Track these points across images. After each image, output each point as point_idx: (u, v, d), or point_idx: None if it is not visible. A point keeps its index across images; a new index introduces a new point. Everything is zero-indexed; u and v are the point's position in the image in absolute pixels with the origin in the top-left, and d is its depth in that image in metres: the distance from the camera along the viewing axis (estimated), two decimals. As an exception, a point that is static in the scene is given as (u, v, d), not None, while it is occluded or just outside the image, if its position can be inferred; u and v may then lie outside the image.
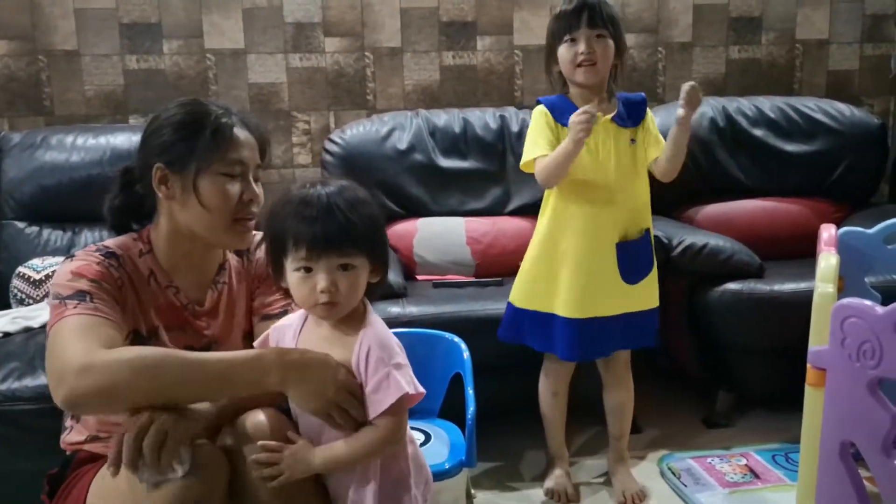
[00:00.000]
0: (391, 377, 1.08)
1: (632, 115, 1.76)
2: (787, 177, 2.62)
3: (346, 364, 1.11)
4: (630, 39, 2.80)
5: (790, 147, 2.63)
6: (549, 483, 1.88)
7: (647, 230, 1.81)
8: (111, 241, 1.25)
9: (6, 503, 1.57)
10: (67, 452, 1.26)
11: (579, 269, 1.73)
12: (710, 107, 2.65)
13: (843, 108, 2.68)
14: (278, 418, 1.15)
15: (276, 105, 2.68)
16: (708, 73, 2.88)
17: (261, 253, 1.33)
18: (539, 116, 1.76)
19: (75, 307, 1.11)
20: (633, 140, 1.75)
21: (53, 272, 2.01)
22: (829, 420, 1.30)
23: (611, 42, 1.68)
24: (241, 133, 1.24)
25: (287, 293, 1.16)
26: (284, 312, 1.29)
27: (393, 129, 2.49)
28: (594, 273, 1.73)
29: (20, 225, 2.21)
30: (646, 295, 1.81)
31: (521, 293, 1.82)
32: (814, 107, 2.68)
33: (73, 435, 1.26)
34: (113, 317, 1.14)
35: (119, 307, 1.17)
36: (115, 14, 2.54)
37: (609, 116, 1.71)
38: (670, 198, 2.54)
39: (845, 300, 1.25)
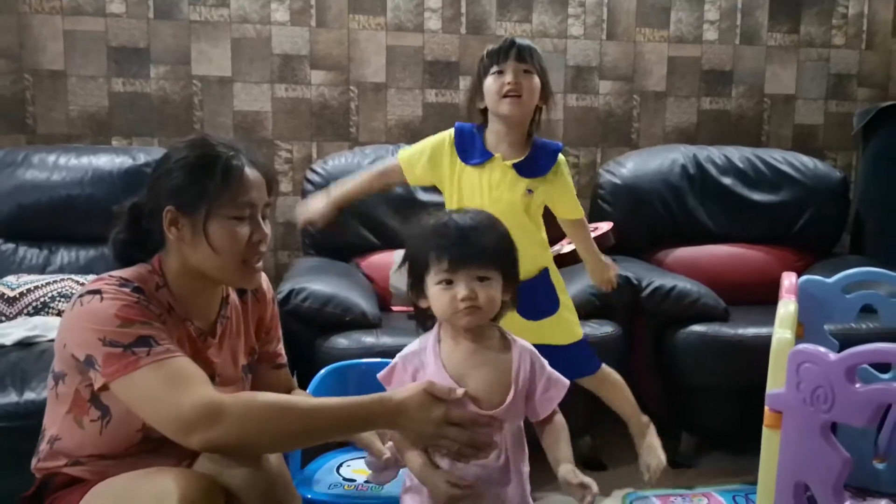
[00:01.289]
0: (552, 377, 1.24)
1: (538, 164, 1.73)
2: (753, 225, 2.72)
3: (507, 378, 1.21)
4: (606, 86, 2.91)
5: (757, 196, 2.74)
6: None
7: (546, 269, 1.79)
8: (128, 274, 1.23)
9: None
10: (38, 475, 1.24)
11: None
12: (681, 154, 2.75)
13: (808, 161, 2.80)
14: None
15: (259, 133, 2.72)
16: (680, 122, 2.99)
17: (267, 297, 1.42)
18: (442, 139, 1.75)
19: (148, 354, 1.11)
20: (529, 190, 1.72)
21: (28, 290, 2.00)
22: (784, 462, 1.35)
23: (537, 80, 1.69)
24: (249, 173, 1.25)
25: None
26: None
27: (374, 161, 2.53)
28: None
29: (-5, 241, 2.21)
30: (558, 331, 1.78)
31: None
32: (780, 158, 2.80)
33: (48, 460, 1.24)
34: (181, 352, 1.16)
35: (172, 340, 1.18)
36: (105, 37, 2.58)
37: (511, 162, 1.70)
38: (640, 240, 2.63)
39: (801, 346, 1.31)
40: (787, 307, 1.57)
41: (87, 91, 2.60)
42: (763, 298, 2.38)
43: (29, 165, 2.25)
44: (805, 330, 1.91)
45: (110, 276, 1.22)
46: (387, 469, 1.31)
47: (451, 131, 1.77)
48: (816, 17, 3.03)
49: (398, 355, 1.27)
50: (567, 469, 1.18)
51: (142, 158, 2.31)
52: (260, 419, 1.11)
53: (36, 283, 2.01)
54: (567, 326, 1.82)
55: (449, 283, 1.18)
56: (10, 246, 2.21)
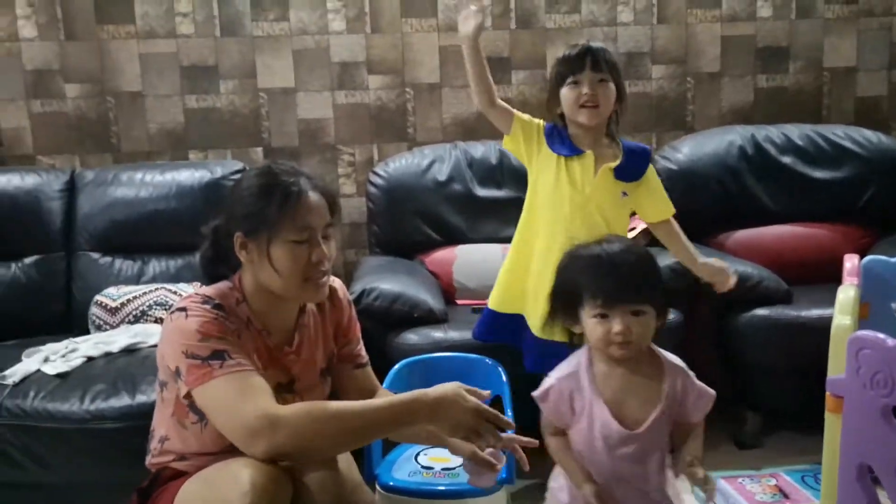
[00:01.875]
0: (701, 389, 1.33)
1: (632, 168, 1.81)
2: (815, 203, 2.69)
3: (660, 397, 1.28)
4: (659, 70, 2.92)
5: (818, 173, 2.71)
6: None
7: None
8: (211, 291, 1.37)
9: None
10: (153, 470, 1.40)
11: (539, 277, 1.80)
12: (738, 135, 2.74)
13: (870, 135, 2.75)
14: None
15: (322, 139, 2.85)
16: (736, 102, 2.97)
17: (343, 303, 1.51)
18: (532, 122, 1.85)
19: (221, 367, 1.24)
20: (625, 193, 1.80)
21: (128, 300, 2.19)
22: (847, 444, 1.39)
23: (612, 86, 1.76)
24: (309, 197, 1.33)
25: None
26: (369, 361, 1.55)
27: (433, 161, 2.64)
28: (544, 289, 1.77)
29: (94, 255, 2.41)
30: None
31: (495, 297, 1.93)
32: (841, 134, 2.75)
33: (159, 456, 1.40)
34: (252, 366, 1.28)
35: (246, 355, 1.30)
36: (177, 57, 2.75)
37: (612, 165, 1.77)
38: (700, 224, 2.64)
39: (860, 333, 1.34)
40: (846, 293, 1.59)
41: (164, 109, 2.78)
42: (829, 276, 2.36)
43: (119, 184, 2.44)
44: (871, 310, 1.92)
45: (196, 293, 1.36)
46: (483, 473, 1.33)
47: (541, 122, 1.86)
48: (876, -15, 2.95)
49: (552, 375, 1.32)
50: (691, 463, 1.26)
51: (219, 172, 2.48)
52: (314, 426, 1.20)
53: (134, 294, 2.20)
54: None
55: (604, 316, 1.23)
56: (108, 259, 2.40)
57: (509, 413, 1.76)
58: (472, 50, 1.80)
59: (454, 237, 2.60)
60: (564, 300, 1.29)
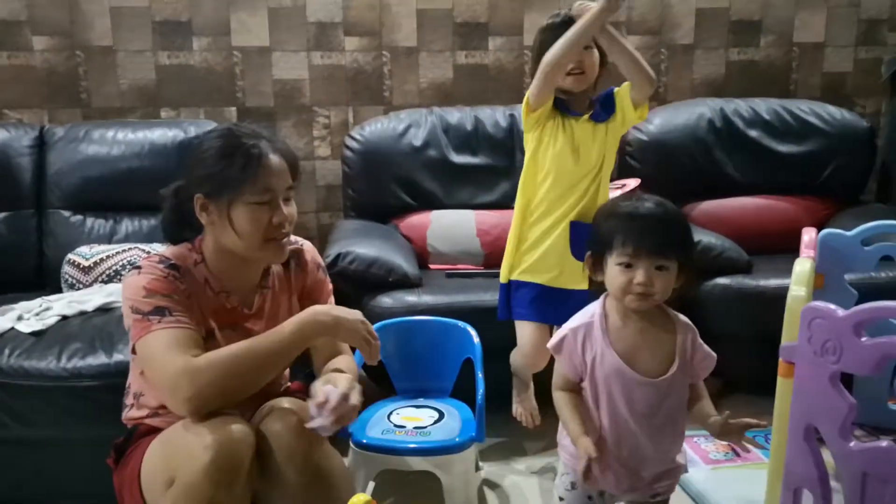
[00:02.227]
0: (706, 351, 1.38)
1: (605, 108, 1.87)
2: (779, 176, 2.78)
3: (671, 354, 1.32)
4: (634, 41, 2.95)
5: (783, 147, 2.79)
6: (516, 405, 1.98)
7: None
8: (170, 252, 1.40)
9: (76, 466, 1.76)
10: (129, 426, 1.44)
11: (539, 241, 1.87)
12: (708, 108, 2.80)
13: (834, 111, 2.83)
14: (300, 404, 1.36)
15: (298, 100, 2.83)
16: (708, 74, 3.02)
17: (308, 264, 1.52)
18: None
19: (159, 322, 1.28)
20: (606, 132, 1.87)
21: (101, 259, 2.19)
22: (796, 407, 1.48)
23: (596, 52, 1.81)
24: (270, 160, 1.34)
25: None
26: None
27: (409, 126, 2.65)
28: (550, 245, 1.85)
29: (65, 213, 2.39)
30: None
31: (504, 269, 1.95)
32: (807, 109, 2.83)
33: (133, 412, 1.43)
34: (191, 324, 1.31)
35: (190, 314, 1.33)
36: (149, 12, 2.69)
37: (587, 116, 1.85)
38: (668, 195, 2.68)
39: (813, 303, 1.42)
40: (802, 265, 1.67)
41: (136, 65, 2.72)
42: (789, 247, 2.43)
43: (90, 141, 2.41)
44: (826, 281, 2.02)
45: (154, 254, 1.39)
46: (316, 416, 1.30)
47: None
48: (847, -38, 3.00)
49: (566, 326, 1.36)
50: (718, 418, 1.33)
51: (192, 131, 2.45)
52: (227, 368, 1.25)
53: (108, 253, 2.19)
54: None
55: (629, 266, 1.27)
56: (79, 218, 2.38)
57: (479, 375, 1.82)
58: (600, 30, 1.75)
59: (429, 202, 2.63)
60: (595, 246, 1.33)
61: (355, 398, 1.33)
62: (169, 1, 2.69)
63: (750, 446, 2.14)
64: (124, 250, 2.21)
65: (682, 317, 1.38)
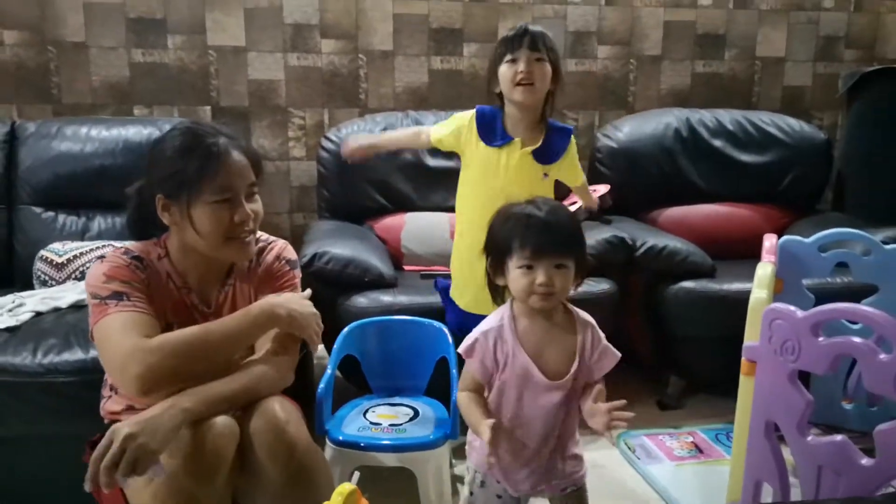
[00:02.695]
0: (608, 349, 1.40)
1: (553, 150, 1.89)
2: (741, 184, 2.88)
3: (573, 351, 1.37)
4: (605, 51, 3.03)
5: (745, 157, 2.89)
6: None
7: None
8: (134, 245, 1.41)
9: (51, 464, 1.74)
10: (106, 420, 1.43)
11: (462, 270, 1.93)
12: (674, 118, 2.90)
13: (794, 123, 2.95)
14: (287, 404, 1.37)
15: (273, 101, 2.84)
16: (675, 85, 3.12)
17: (268, 258, 1.50)
18: (464, 117, 1.92)
19: (116, 306, 1.29)
20: (545, 175, 1.89)
21: (74, 256, 2.17)
22: (757, 404, 1.55)
23: (549, 67, 1.81)
24: (229, 157, 1.33)
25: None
26: None
27: (385, 128, 2.67)
28: (473, 276, 1.84)
29: (36, 210, 2.35)
30: None
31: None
32: (768, 121, 2.94)
33: (110, 404, 1.43)
34: (148, 310, 1.32)
35: (148, 302, 1.34)
36: (122, 9, 2.68)
37: (530, 149, 1.85)
38: (635, 201, 2.80)
39: (773, 305, 1.50)
40: (764, 269, 1.75)
41: (109, 62, 2.70)
42: (750, 253, 2.54)
43: (63, 137, 2.38)
44: (785, 285, 2.10)
45: (120, 246, 1.40)
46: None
47: (473, 112, 1.91)
48: (808, -20, 3.13)
49: (477, 330, 1.40)
50: (591, 402, 1.34)
51: (167, 129, 2.43)
52: (175, 350, 1.25)
53: (81, 250, 2.17)
54: None
55: (529, 268, 1.32)
56: (51, 214, 2.35)
57: (454, 372, 1.86)
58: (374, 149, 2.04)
59: (403, 204, 2.66)
60: (494, 253, 1.38)
61: None
62: (144, -2, 2.68)
63: (713, 443, 2.22)
64: (98, 247, 2.19)
65: (584, 314, 1.42)
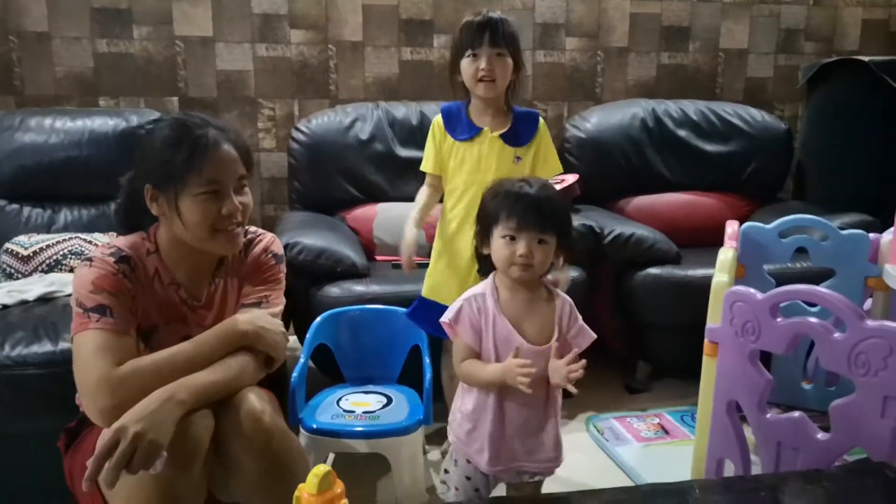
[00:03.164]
0: (584, 329, 1.45)
1: (522, 133, 1.90)
2: (705, 173, 2.95)
3: (552, 323, 1.42)
4: (572, 43, 3.07)
5: (709, 147, 2.96)
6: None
7: None
8: (122, 242, 1.39)
9: (23, 459, 1.72)
10: (81, 408, 1.42)
11: (449, 263, 1.92)
12: (641, 108, 2.95)
13: (756, 114, 3.03)
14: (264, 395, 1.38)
15: (242, 92, 2.83)
16: (641, 76, 3.18)
17: (256, 250, 1.50)
18: (433, 129, 1.93)
19: (97, 321, 1.27)
20: (518, 158, 1.90)
21: (40, 248, 2.14)
22: (719, 383, 1.61)
23: (509, 60, 1.83)
24: (219, 150, 1.32)
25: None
26: (258, 303, 1.46)
27: (355, 119, 2.69)
28: (456, 267, 1.89)
29: (0, 202, 2.31)
30: None
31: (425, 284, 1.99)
32: (731, 111, 3.01)
33: None
34: (127, 328, 1.31)
35: (131, 315, 1.33)
36: (87, -1, 2.64)
37: (498, 133, 1.87)
38: (603, 190, 2.85)
39: (734, 287, 1.55)
40: (726, 254, 1.81)
41: (72, 52, 2.66)
42: (714, 241, 2.59)
43: (27, 129, 2.33)
44: (747, 270, 2.17)
45: (108, 244, 1.38)
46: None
47: (439, 116, 1.92)
48: (769, -26, 3.20)
49: (461, 299, 1.44)
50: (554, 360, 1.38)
51: (134, 121, 2.41)
52: (144, 380, 1.24)
53: (47, 242, 2.14)
54: None
55: (512, 238, 1.38)
56: (15, 207, 2.32)
57: (427, 360, 1.89)
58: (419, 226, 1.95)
59: (375, 195, 2.68)
60: (483, 222, 1.44)
61: None
62: (108, -12, 2.65)
63: (678, 424, 2.28)
64: (65, 240, 2.17)
65: (563, 293, 1.48)
